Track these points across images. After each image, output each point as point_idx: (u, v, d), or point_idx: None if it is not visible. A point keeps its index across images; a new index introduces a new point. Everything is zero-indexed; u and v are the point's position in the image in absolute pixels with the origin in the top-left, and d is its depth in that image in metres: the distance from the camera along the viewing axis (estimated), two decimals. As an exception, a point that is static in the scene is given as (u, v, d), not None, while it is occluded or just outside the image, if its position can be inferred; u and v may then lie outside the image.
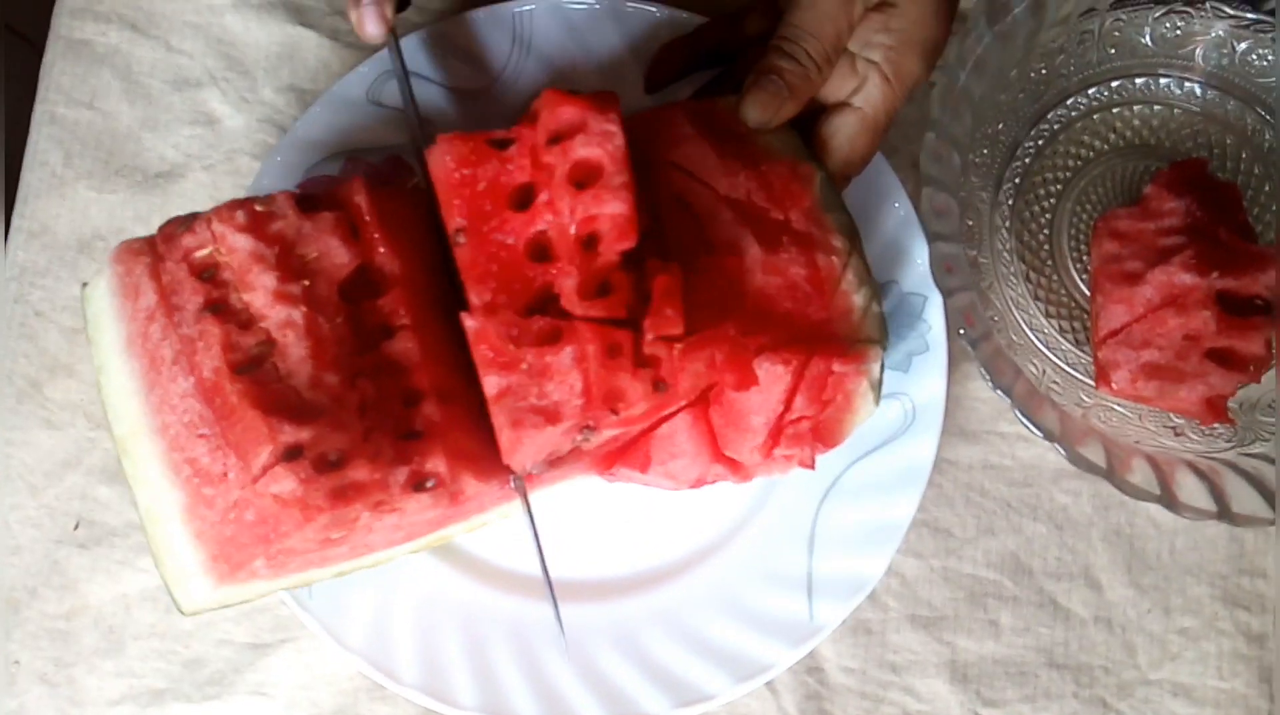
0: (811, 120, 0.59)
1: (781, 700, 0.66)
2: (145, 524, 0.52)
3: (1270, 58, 0.66)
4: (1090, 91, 0.68)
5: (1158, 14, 0.67)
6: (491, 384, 0.51)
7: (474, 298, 0.51)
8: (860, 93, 0.58)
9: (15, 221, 0.69)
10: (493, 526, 0.62)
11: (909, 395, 0.64)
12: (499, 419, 0.51)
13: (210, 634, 0.65)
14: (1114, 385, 0.62)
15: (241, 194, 0.68)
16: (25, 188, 0.69)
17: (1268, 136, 0.67)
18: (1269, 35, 0.66)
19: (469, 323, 0.51)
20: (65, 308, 0.68)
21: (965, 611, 0.67)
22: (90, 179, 0.69)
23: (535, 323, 0.51)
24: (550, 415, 0.50)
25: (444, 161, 0.53)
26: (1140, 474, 0.59)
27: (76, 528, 0.66)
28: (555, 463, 0.54)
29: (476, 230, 0.52)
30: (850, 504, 0.63)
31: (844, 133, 0.58)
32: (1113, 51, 0.68)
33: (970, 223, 0.66)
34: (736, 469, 0.56)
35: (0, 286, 0.68)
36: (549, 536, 0.64)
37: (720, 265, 0.56)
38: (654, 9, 0.66)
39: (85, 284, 0.54)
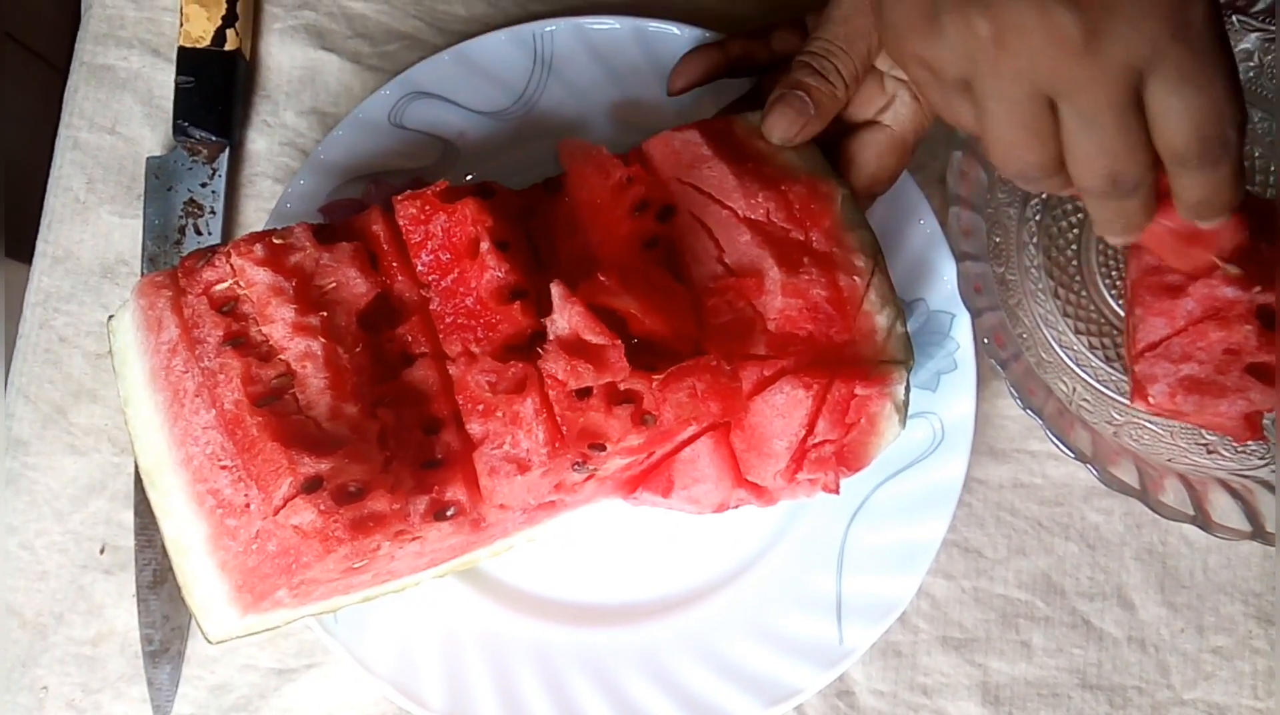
0: (835, 138, 0.58)
1: (810, 724, 0.65)
2: (171, 555, 0.52)
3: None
4: (1118, 103, 0.67)
5: (1186, 25, 0.65)
6: (473, 430, 0.53)
7: (449, 348, 0.54)
8: (889, 111, 0.57)
9: (40, 247, 0.69)
10: (517, 550, 0.61)
11: (937, 414, 0.63)
12: (478, 466, 0.53)
13: (235, 659, 0.65)
14: (1151, 399, 0.61)
15: (264, 218, 0.69)
16: (49, 213, 0.69)
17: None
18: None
19: (451, 371, 0.53)
20: (89, 333, 0.68)
21: (997, 633, 0.66)
22: (113, 204, 0.69)
23: (511, 367, 0.52)
24: (521, 464, 0.52)
25: (401, 223, 0.55)
26: (1173, 494, 0.59)
27: (102, 552, 0.66)
28: (571, 489, 0.54)
29: (439, 283, 0.54)
30: (879, 525, 0.63)
31: (871, 150, 0.57)
32: (1141, 63, 0.66)
33: (997, 239, 0.65)
34: (760, 494, 0.56)
35: (25, 312, 0.69)
36: (576, 561, 0.64)
37: (740, 287, 0.55)
38: (676, 29, 0.66)
39: (111, 317, 0.54)
